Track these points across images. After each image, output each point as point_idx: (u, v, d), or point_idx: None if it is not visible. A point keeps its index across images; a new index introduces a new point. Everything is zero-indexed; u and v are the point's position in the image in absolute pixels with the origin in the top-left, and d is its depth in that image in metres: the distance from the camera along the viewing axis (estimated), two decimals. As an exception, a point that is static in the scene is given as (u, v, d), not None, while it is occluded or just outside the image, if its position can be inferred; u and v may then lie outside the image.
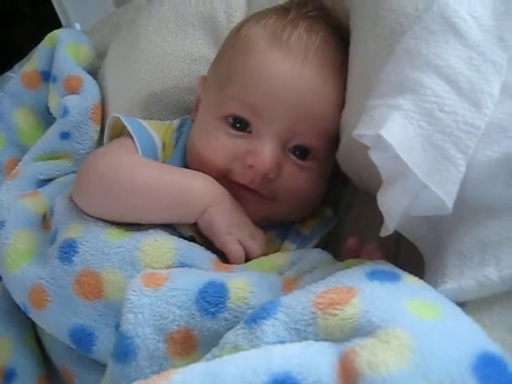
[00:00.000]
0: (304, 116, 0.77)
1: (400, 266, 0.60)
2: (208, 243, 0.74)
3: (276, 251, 0.79)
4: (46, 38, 1.09)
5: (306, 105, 0.77)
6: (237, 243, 0.72)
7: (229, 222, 0.73)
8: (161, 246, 0.68)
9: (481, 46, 0.56)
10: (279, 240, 0.82)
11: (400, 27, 0.65)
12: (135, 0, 1.21)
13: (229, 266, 0.71)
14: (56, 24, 1.78)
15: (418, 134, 0.55)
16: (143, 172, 0.75)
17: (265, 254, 0.75)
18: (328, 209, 0.89)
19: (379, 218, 0.60)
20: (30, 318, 0.74)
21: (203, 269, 0.68)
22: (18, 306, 0.74)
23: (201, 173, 0.77)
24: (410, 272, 0.56)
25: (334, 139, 0.80)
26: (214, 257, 0.71)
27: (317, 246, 0.81)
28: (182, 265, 0.67)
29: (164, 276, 0.62)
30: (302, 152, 0.80)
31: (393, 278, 0.51)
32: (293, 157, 0.79)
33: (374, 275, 0.51)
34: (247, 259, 0.73)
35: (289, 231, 0.84)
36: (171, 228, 0.74)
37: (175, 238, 0.71)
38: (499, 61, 0.56)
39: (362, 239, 0.72)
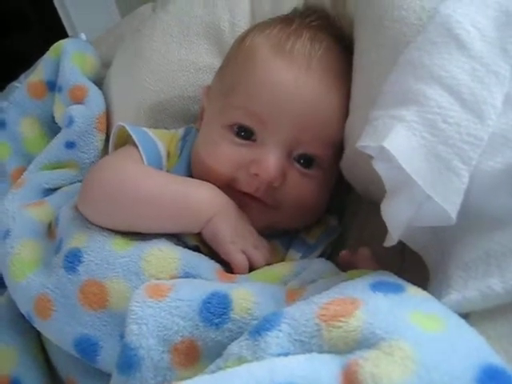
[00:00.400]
0: (308, 125, 0.77)
1: (404, 276, 0.60)
2: (212, 253, 0.73)
3: (281, 260, 0.80)
4: (52, 48, 1.09)
5: (310, 114, 0.77)
6: (241, 253, 0.72)
7: (233, 232, 0.73)
8: (165, 256, 0.68)
9: (484, 57, 0.56)
10: (284, 249, 0.82)
11: (404, 37, 0.66)
12: (140, 10, 1.21)
13: (233, 275, 0.70)
14: (62, 34, 1.79)
15: (421, 146, 0.55)
16: (148, 182, 0.75)
17: (269, 263, 0.75)
18: (332, 217, 0.89)
19: (384, 227, 0.60)
20: (35, 328, 0.74)
21: (207, 279, 0.68)
22: (23, 316, 0.74)
23: (205, 182, 0.77)
24: (415, 282, 0.56)
25: (338, 148, 0.80)
26: (218, 267, 0.71)
27: (321, 255, 0.81)
28: (187, 275, 0.67)
29: (167, 287, 0.62)
30: (307, 161, 0.80)
31: (396, 289, 0.51)
32: (297, 165, 0.79)
33: (377, 286, 0.51)
34: (251, 269, 0.73)
35: (294, 240, 0.83)
36: (176, 238, 0.74)
37: (180, 247, 0.71)
38: (502, 72, 0.56)
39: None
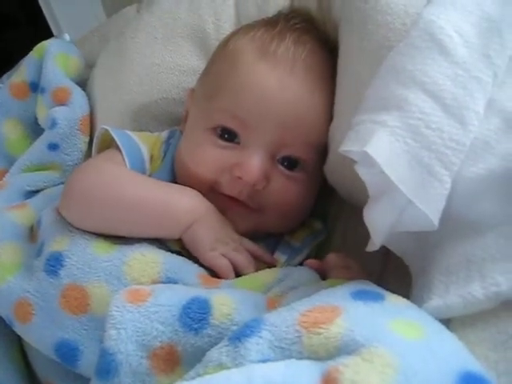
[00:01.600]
0: (291, 127, 0.77)
1: (388, 280, 0.60)
2: (196, 257, 0.73)
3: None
4: (35, 48, 1.08)
5: (293, 116, 0.77)
6: (221, 258, 0.72)
7: (212, 238, 0.73)
8: (148, 260, 0.68)
9: (466, 62, 0.57)
10: (269, 252, 0.81)
11: (387, 42, 0.66)
12: (125, 10, 1.20)
13: (217, 280, 0.70)
14: (48, 34, 1.77)
15: (403, 151, 0.55)
16: (130, 186, 0.75)
17: (257, 267, 0.74)
18: (317, 221, 0.89)
19: (367, 231, 0.60)
20: (15, 331, 0.73)
21: (190, 283, 0.67)
22: (2, 319, 0.74)
23: (188, 188, 0.77)
24: (398, 286, 0.56)
25: (322, 151, 0.80)
26: (201, 271, 0.71)
27: (307, 258, 0.81)
28: (169, 279, 0.67)
29: (147, 292, 0.61)
30: (291, 163, 0.80)
31: (376, 297, 0.51)
32: (281, 168, 0.79)
33: (358, 295, 0.51)
34: (238, 274, 0.72)
35: (279, 243, 0.83)
36: (159, 242, 0.74)
37: (162, 252, 0.71)
38: (484, 78, 0.56)
39: (349, 252, 0.72)
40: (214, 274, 0.72)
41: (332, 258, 0.70)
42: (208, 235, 0.73)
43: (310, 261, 0.73)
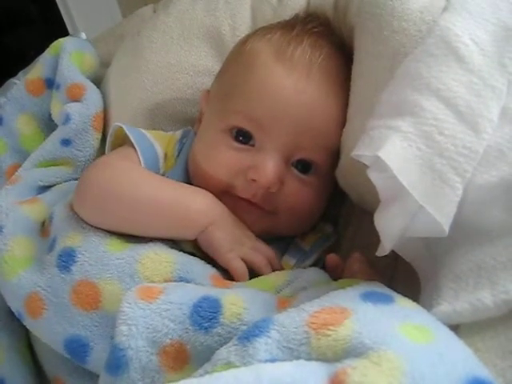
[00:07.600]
0: (306, 131, 0.77)
1: (397, 285, 0.60)
2: (209, 258, 0.73)
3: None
4: (51, 46, 1.09)
5: (308, 119, 0.77)
6: (239, 260, 0.72)
7: (229, 239, 0.73)
8: (160, 259, 0.68)
9: (481, 70, 0.57)
10: (279, 254, 0.82)
11: (403, 48, 0.66)
12: (141, 10, 1.21)
13: (227, 282, 0.70)
14: (63, 32, 1.78)
15: (416, 157, 0.55)
16: (144, 186, 0.75)
17: (274, 267, 0.75)
18: (328, 225, 0.89)
19: (377, 236, 0.60)
20: (23, 326, 0.73)
21: (202, 284, 0.67)
22: (10, 313, 0.74)
23: (202, 190, 0.77)
24: (407, 291, 0.56)
25: (336, 155, 0.81)
26: (213, 271, 0.71)
27: (317, 262, 0.81)
28: (181, 279, 0.67)
29: (159, 290, 0.62)
30: (305, 166, 0.80)
31: (386, 299, 0.51)
32: (295, 171, 0.79)
33: (367, 296, 0.51)
34: (255, 274, 0.72)
35: (289, 246, 0.83)
36: (172, 242, 0.74)
37: (175, 251, 0.71)
38: (499, 86, 0.56)
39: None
40: (226, 275, 0.72)
41: (357, 253, 0.70)
42: (225, 237, 0.73)
43: (331, 255, 0.72)
